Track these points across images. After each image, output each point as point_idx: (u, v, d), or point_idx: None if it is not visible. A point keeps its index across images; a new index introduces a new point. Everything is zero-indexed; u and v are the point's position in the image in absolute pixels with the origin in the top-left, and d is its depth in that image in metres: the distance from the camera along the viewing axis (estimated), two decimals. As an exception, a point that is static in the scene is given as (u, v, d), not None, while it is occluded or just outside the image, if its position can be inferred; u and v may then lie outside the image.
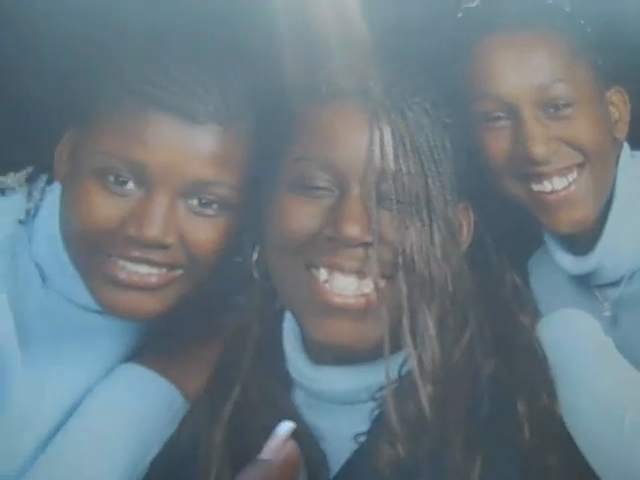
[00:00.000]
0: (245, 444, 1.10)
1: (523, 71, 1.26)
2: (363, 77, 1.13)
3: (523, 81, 1.26)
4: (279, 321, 1.19)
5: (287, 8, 1.32)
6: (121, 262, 1.12)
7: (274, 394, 1.16)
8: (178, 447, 1.17)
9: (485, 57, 1.28)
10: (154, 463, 1.17)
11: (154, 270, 1.13)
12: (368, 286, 1.08)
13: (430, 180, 1.09)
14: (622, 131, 1.34)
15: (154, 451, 1.18)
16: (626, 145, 1.34)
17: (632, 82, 1.37)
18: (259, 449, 0.99)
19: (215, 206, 1.14)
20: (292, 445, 1.00)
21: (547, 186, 1.27)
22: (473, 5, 1.32)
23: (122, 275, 1.12)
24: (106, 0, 1.31)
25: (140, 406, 1.18)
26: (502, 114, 1.27)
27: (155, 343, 1.25)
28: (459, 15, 1.33)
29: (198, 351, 1.23)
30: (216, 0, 1.28)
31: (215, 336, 1.24)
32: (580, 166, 1.27)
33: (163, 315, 1.16)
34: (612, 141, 1.32)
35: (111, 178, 1.11)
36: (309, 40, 1.23)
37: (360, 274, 1.08)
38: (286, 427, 1.01)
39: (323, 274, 1.08)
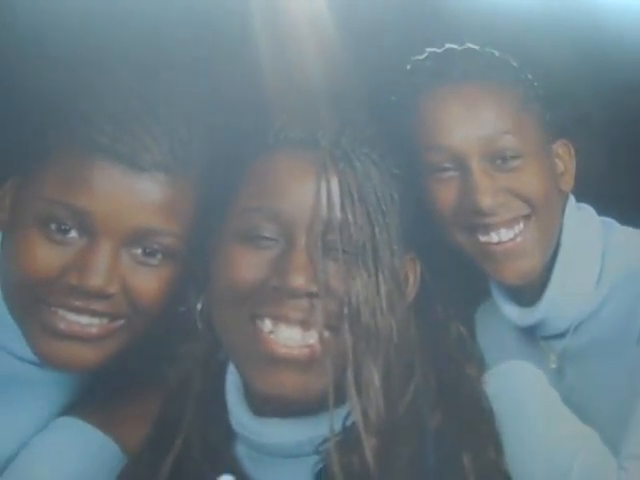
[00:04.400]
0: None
1: (471, 123, 1.27)
2: (312, 127, 1.13)
3: (471, 133, 1.26)
4: (222, 373, 1.17)
5: (237, 57, 1.32)
6: (61, 312, 1.10)
7: (216, 447, 1.13)
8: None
9: (433, 109, 1.29)
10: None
11: (95, 320, 1.11)
12: (313, 337, 1.07)
13: (377, 231, 1.09)
14: (568, 183, 1.35)
15: (91, 506, 1.15)
16: (572, 197, 1.35)
17: (578, 136, 1.38)
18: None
19: (159, 256, 1.13)
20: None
21: (494, 237, 1.27)
22: (422, 58, 1.33)
23: (62, 325, 1.10)
24: (56, 45, 1.30)
25: (76, 460, 1.15)
26: (450, 165, 1.27)
27: (94, 395, 1.22)
28: (408, 67, 1.34)
29: (138, 403, 1.20)
30: (165, 48, 1.28)
31: (156, 387, 1.21)
32: (526, 218, 1.28)
33: (103, 366, 1.14)
34: (558, 193, 1.32)
35: (53, 226, 1.09)
36: (259, 89, 1.23)
37: (305, 325, 1.07)
38: None
39: (268, 325, 1.07)
